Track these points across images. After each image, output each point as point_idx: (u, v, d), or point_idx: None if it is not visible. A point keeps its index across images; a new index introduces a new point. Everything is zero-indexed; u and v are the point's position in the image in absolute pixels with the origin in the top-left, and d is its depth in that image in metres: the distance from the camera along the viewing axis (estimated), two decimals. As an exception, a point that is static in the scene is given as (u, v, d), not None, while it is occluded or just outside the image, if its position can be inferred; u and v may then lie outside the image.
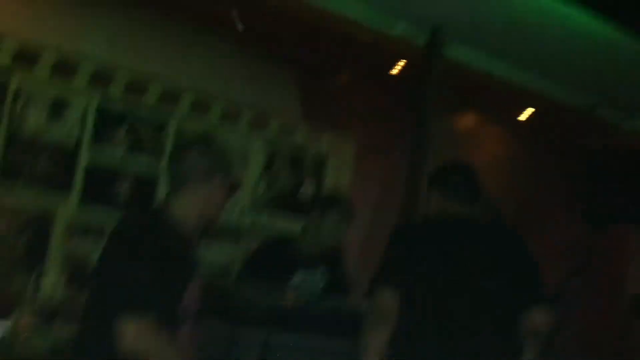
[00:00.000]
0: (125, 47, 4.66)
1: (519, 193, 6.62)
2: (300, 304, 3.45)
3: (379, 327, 2.88)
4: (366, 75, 5.63)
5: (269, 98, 5.26)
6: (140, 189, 4.64)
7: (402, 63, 5.33)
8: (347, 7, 4.59)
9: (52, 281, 4.23)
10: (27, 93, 4.24)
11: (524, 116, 6.21)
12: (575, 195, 7.04)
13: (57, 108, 4.38)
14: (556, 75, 5.71)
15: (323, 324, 3.31)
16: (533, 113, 6.18)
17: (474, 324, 2.85)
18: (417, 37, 4.93)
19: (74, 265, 4.35)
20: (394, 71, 5.34)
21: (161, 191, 4.68)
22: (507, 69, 5.61)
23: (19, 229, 3.55)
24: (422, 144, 5.68)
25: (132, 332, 2.24)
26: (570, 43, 5.02)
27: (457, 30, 4.90)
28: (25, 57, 4.22)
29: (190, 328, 2.56)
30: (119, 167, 4.57)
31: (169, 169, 2.63)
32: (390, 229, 3.17)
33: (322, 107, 5.57)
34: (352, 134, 5.59)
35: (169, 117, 4.75)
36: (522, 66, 5.60)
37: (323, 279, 4.08)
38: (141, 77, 4.65)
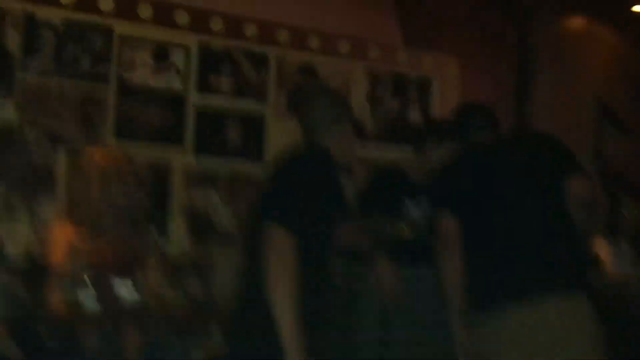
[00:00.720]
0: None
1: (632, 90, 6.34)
2: (416, 235, 3.47)
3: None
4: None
5: (368, 24, 5.19)
6: (249, 132, 4.69)
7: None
8: None
9: (175, 234, 4.37)
10: (130, 41, 4.32)
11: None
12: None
13: (161, 55, 4.44)
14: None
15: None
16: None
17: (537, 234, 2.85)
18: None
19: (195, 216, 4.45)
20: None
21: (270, 133, 4.75)
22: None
23: (138, 183, 3.65)
24: (528, 57, 5.52)
25: (280, 240, 2.28)
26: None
27: None
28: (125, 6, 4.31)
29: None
30: (227, 111, 4.62)
31: (299, 118, 2.72)
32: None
33: (422, 28, 5.44)
34: (456, 54, 5.45)
35: (268, 54, 4.75)
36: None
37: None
38: (237, 19, 4.66)
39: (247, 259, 2.51)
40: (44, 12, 4.08)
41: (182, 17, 4.49)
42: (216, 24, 4.60)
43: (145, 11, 4.38)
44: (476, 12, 5.56)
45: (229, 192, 4.58)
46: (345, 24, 5.06)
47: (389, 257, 3.07)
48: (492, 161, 3.03)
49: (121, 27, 4.30)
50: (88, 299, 2.85)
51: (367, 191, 4.25)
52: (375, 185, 4.21)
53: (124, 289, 3.10)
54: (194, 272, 4.15)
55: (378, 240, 3.03)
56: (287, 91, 4.80)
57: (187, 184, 4.46)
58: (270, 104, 4.76)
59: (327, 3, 5.03)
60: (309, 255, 2.37)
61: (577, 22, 6.16)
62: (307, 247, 2.35)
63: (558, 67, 5.81)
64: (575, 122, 5.40)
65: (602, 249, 4.82)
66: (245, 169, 4.61)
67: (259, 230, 2.32)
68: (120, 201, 3.45)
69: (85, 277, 3.00)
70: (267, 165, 3.96)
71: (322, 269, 2.56)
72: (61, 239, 3.33)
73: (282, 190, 2.42)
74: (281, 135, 4.70)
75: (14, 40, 4.00)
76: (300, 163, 2.50)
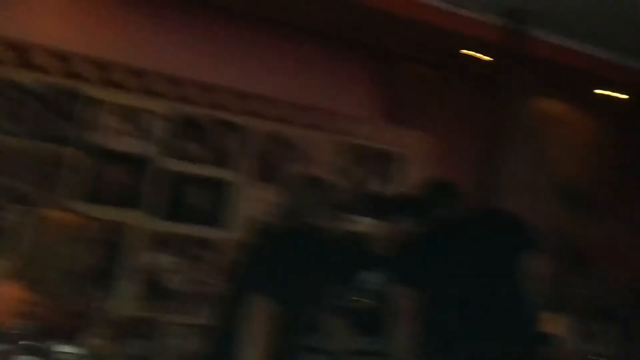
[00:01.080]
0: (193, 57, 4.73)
1: (607, 174, 6.39)
2: (371, 306, 3.44)
3: None
4: (437, 67, 5.56)
5: (339, 97, 5.24)
6: (215, 198, 4.66)
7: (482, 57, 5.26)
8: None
9: (124, 298, 4.32)
10: (98, 104, 4.33)
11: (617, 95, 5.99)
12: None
13: (130, 119, 4.45)
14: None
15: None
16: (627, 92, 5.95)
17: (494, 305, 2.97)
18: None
19: (149, 279, 4.42)
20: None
21: (230, 201, 4.72)
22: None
23: (91, 245, 3.62)
24: (498, 136, 5.57)
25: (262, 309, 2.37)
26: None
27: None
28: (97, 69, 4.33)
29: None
30: (193, 176, 4.60)
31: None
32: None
33: (393, 104, 5.50)
34: (424, 130, 5.49)
35: (238, 124, 4.78)
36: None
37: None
38: (209, 87, 4.69)
39: (222, 323, 2.54)
40: (11, 73, 4.10)
41: (154, 83, 4.51)
42: (187, 91, 4.63)
43: (116, 75, 4.39)
44: (446, 90, 5.63)
45: (186, 256, 4.52)
46: (317, 95, 5.10)
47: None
48: (453, 237, 3.15)
49: (89, 90, 4.32)
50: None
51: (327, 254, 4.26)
52: (336, 251, 4.21)
53: (66, 353, 3.01)
54: (142, 334, 4.08)
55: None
56: (257, 159, 4.79)
57: (143, 247, 4.44)
58: (238, 171, 4.73)
59: (300, 74, 5.09)
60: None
61: (547, 105, 6.26)
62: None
63: (527, 147, 5.86)
64: (540, 201, 5.43)
65: (558, 325, 4.80)
66: (206, 234, 4.59)
67: (240, 297, 2.38)
68: (73, 263, 3.41)
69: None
70: (241, 234, 3.98)
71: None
72: (8, 298, 3.27)
73: (266, 261, 2.49)
74: (248, 202, 4.70)
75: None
76: (285, 236, 2.61)
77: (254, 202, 4.72)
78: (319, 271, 3.98)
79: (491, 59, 5.21)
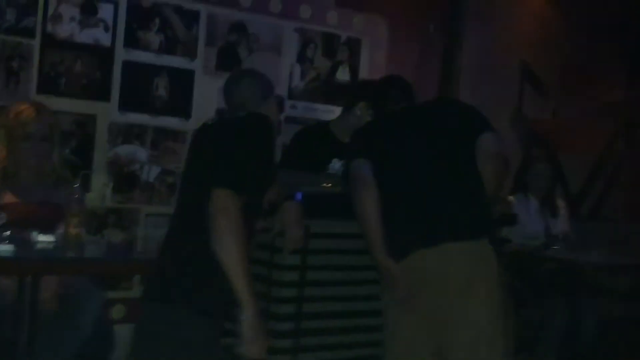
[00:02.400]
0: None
1: (562, 52, 6.51)
2: (338, 189, 3.54)
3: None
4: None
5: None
6: (177, 89, 4.70)
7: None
8: None
9: (99, 188, 4.41)
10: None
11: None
12: (620, 54, 6.88)
13: (89, 10, 4.40)
14: None
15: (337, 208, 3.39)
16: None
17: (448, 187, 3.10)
18: None
19: (120, 171, 4.50)
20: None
21: (197, 91, 4.77)
22: None
23: (62, 138, 3.65)
24: (456, 21, 5.62)
25: (227, 198, 2.35)
26: None
27: None
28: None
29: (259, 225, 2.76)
30: (155, 67, 4.61)
31: (225, 97, 2.86)
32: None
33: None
34: (385, 16, 5.52)
35: (199, 11, 4.75)
36: None
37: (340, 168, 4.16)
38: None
39: (189, 217, 2.55)
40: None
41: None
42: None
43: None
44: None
45: (155, 147, 4.61)
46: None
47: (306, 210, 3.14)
48: (408, 118, 3.25)
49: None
50: (6, 251, 2.85)
51: (293, 148, 4.34)
52: (302, 143, 4.30)
53: (44, 242, 3.11)
54: (117, 224, 4.18)
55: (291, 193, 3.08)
56: (217, 49, 4.82)
57: (112, 139, 4.48)
58: (199, 61, 4.76)
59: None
60: (248, 218, 2.44)
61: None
62: (247, 210, 2.42)
63: (485, 31, 5.95)
64: (499, 83, 5.55)
65: (514, 205, 5.00)
66: (172, 125, 4.65)
67: (206, 192, 2.36)
68: (43, 157, 3.45)
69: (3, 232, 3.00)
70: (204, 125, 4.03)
71: (254, 230, 2.65)
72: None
73: (231, 155, 2.47)
74: (210, 92, 4.74)
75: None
76: (249, 128, 2.57)
77: (217, 92, 4.77)
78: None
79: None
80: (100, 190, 4.41)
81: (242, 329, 2.33)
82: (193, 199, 2.53)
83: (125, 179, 4.51)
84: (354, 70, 5.38)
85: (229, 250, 2.33)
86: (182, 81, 4.71)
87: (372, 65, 5.42)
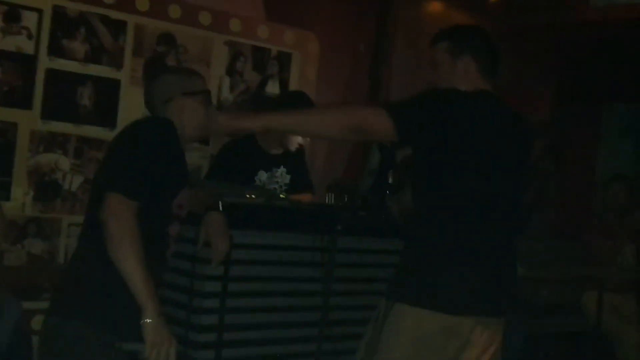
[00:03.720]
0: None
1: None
2: (264, 201, 3.53)
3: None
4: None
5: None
6: (102, 98, 4.64)
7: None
8: None
9: (19, 197, 4.31)
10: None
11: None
12: (544, 74, 7.05)
13: (12, 17, 4.31)
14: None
15: (285, 220, 3.39)
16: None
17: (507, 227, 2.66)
18: None
19: (41, 180, 4.40)
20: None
21: (123, 101, 4.71)
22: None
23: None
24: (385, 39, 5.69)
25: (117, 203, 2.30)
26: None
27: None
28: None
29: (176, 227, 2.70)
30: (79, 76, 4.55)
31: (146, 92, 2.82)
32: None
33: (284, 4, 5.52)
34: (317, 31, 5.56)
35: (126, 21, 4.71)
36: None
37: (286, 178, 4.19)
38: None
39: (88, 225, 2.51)
40: None
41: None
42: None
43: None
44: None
45: (79, 156, 4.53)
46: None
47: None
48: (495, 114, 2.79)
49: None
50: None
51: (220, 159, 4.33)
52: (229, 154, 4.29)
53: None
54: (39, 234, 4.08)
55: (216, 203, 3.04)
56: (145, 59, 4.77)
57: (34, 148, 4.39)
58: (126, 71, 4.71)
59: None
60: (150, 222, 2.41)
61: (434, 7, 6.40)
62: (149, 214, 2.39)
63: (413, 50, 6.03)
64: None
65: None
66: (96, 134, 4.59)
67: (100, 198, 2.33)
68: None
69: None
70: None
71: (163, 234, 2.60)
72: None
73: (122, 159, 2.44)
74: (136, 102, 4.68)
75: None
76: (141, 132, 2.54)
77: (143, 103, 4.72)
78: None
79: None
80: (20, 199, 4.31)
81: (145, 334, 2.29)
82: (91, 206, 2.49)
83: (46, 188, 4.42)
84: (284, 85, 5.39)
85: (122, 255, 2.29)
86: (108, 91, 4.65)
87: (302, 79, 5.44)
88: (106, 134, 4.58)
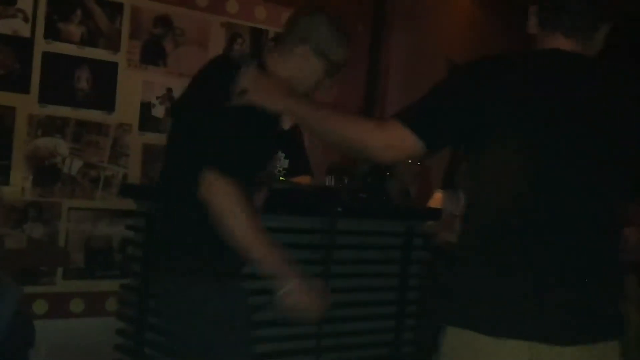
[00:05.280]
0: None
1: (491, 52, 6.60)
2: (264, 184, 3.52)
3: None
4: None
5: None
6: (100, 81, 4.61)
7: None
8: None
9: (18, 181, 4.30)
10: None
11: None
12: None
13: (7, 0, 4.28)
14: None
15: (285, 203, 3.38)
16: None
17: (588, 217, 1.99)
18: None
19: (39, 163, 4.39)
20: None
21: (120, 84, 4.69)
22: None
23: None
24: (383, 16, 5.68)
25: (219, 183, 2.25)
26: None
27: None
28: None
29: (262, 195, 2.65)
30: (76, 59, 4.51)
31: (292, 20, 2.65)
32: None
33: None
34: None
35: (123, 3, 4.65)
36: None
37: (284, 162, 4.17)
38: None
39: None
40: None
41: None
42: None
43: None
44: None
45: (77, 140, 4.52)
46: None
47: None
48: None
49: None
50: None
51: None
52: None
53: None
54: (39, 218, 4.07)
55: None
56: (142, 42, 4.75)
57: (32, 132, 4.38)
58: (123, 54, 4.69)
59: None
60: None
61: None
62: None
63: (411, 27, 6.01)
64: (427, 82, 5.60)
65: (444, 201, 5.06)
66: (94, 118, 4.57)
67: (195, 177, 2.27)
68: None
69: None
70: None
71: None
72: None
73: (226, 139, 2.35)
74: (134, 85, 4.69)
75: None
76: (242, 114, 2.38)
77: (141, 85, 4.74)
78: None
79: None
80: (19, 183, 4.31)
81: (291, 301, 2.23)
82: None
83: (45, 173, 4.41)
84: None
85: (239, 226, 2.23)
86: (105, 74, 4.63)
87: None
88: (104, 117, 4.58)
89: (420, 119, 2.05)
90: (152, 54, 4.80)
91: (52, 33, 4.44)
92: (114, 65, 4.66)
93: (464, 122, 2.02)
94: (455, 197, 5.13)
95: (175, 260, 2.44)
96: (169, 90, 4.84)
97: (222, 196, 2.23)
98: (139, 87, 4.72)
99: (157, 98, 4.80)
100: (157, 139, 4.72)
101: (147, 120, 4.77)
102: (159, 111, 4.81)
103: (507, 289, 1.93)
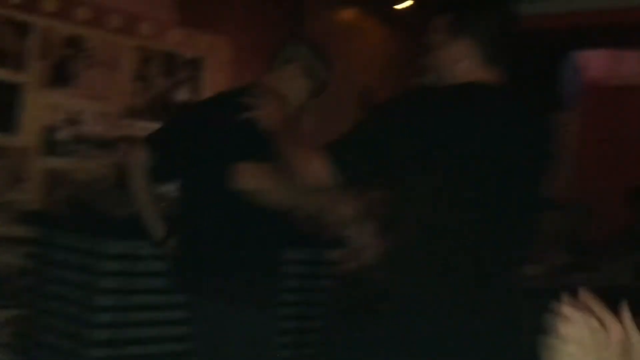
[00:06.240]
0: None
1: (402, 84, 6.70)
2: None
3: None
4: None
5: (140, 1, 5.12)
6: (2, 102, 4.49)
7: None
8: None
9: None
10: None
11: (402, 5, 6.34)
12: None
13: None
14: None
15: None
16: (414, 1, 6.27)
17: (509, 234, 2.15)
18: None
19: None
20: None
21: (25, 102, 4.57)
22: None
23: None
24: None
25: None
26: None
27: None
28: None
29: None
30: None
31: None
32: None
33: (196, 9, 5.45)
34: (229, 37, 5.51)
35: (32, 22, 4.57)
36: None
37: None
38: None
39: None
40: None
41: None
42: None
43: None
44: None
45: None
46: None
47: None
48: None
49: None
50: None
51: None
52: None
53: None
54: None
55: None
56: (50, 63, 4.65)
57: None
58: (30, 74, 4.57)
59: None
60: None
61: (348, 15, 6.44)
62: None
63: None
64: (342, 108, 5.64)
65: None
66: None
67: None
68: None
69: None
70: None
71: None
72: None
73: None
74: (41, 107, 4.58)
75: None
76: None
77: (48, 108, 4.63)
78: None
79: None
80: None
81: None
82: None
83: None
84: (195, 90, 5.33)
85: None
86: (10, 95, 4.51)
87: (214, 85, 5.37)
88: (4, 140, 4.44)
89: (343, 152, 2.11)
90: (61, 76, 4.70)
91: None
92: (18, 86, 4.54)
93: (390, 155, 2.07)
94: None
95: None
96: (77, 113, 4.74)
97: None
98: (44, 109, 4.61)
99: (64, 121, 4.70)
100: (61, 163, 4.62)
101: (51, 144, 4.65)
102: (64, 134, 4.70)
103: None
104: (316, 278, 3.86)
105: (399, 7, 6.38)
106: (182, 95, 5.28)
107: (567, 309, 1.05)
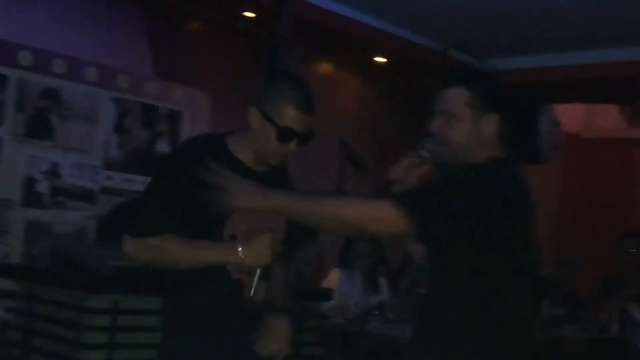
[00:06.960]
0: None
1: (377, 135, 6.73)
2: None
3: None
4: (219, 25, 5.58)
5: (118, 54, 5.10)
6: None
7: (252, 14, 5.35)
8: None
9: None
10: None
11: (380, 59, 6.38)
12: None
13: None
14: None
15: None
16: (389, 56, 6.30)
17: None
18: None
19: None
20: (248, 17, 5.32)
21: (4, 154, 4.47)
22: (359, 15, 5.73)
23: None
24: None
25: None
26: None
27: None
28: None
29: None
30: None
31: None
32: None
33: (174, 62, 5.43)
34: (207, 89, 5.49)
35: (8, 75, 4.50)
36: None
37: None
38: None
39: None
40: None
41: None
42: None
43: None
44: (228, 48, 5.66)
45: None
46: (95, 51, 4.93)
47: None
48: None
49: None
50: None
51: (108, 220, 4.21)
52: (117, 215, 4.17)
53: None
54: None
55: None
56: (27, 115, 4.57)
57: None
58: (7, 127, 4.48)
59: (76, 28, 4.88)
60: None
61: (324, 68, 6.48)
62: None
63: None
64: (321, 160, 5.62)
65: (338, 279, 5.02)
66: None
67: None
68: None
69: None
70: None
71: None
72: None
73: None
74: (17, 160, 4.49)
75: None
76: None
77: (25, 160, 4.53)
78: None
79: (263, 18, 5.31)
80: None
81: None
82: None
83: None
84: (174, 142, 5.27)
85: None
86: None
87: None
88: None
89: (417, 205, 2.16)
90: (38, 128, 4.62)
91: None
92: (-3, 138, 4.45)
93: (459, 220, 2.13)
94: (351, 277, 5.09)
95: None
96: (55, 165, 4.65)
97: None
98: (23, 161, 4.51)
99: (42, 173, 4.61)
100: (41, 215, 4.51)
101: (30, 196, 4.55)
102: (43, 187, 4.60)
103: None
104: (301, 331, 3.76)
105: (377, 60, 6.42)
106: (161, 147, 5.21)
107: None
